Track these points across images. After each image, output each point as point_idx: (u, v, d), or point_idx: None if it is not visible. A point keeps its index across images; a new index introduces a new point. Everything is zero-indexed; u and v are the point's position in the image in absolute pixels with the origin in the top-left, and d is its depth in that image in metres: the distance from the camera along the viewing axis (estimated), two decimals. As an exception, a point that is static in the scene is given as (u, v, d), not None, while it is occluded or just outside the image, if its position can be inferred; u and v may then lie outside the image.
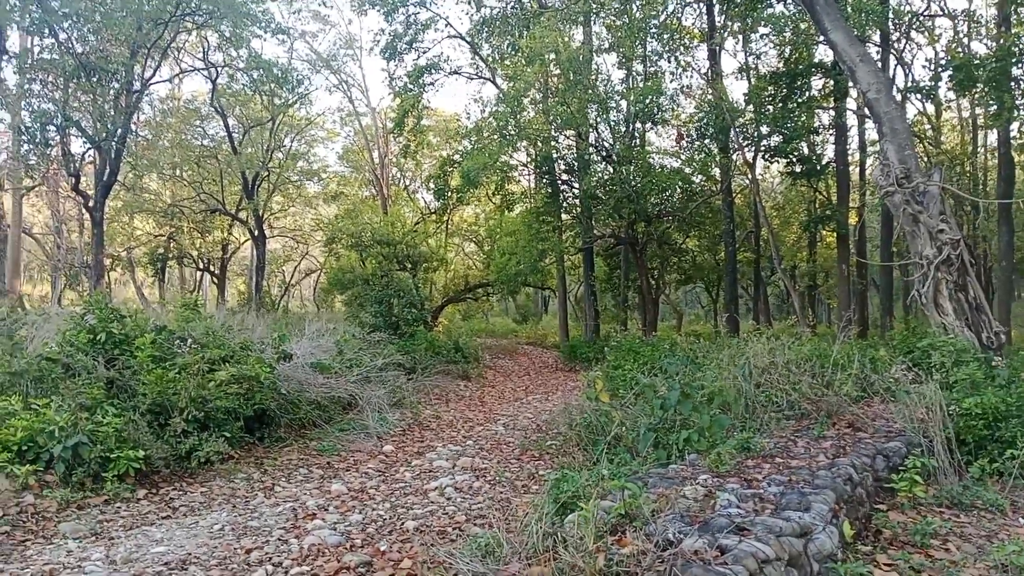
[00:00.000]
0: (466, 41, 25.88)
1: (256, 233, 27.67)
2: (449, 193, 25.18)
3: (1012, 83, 17.43)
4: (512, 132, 21.13)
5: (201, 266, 35.05)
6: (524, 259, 22.48)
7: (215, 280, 34.49)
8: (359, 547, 5.65)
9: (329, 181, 36.20)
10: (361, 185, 38.10)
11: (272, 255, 36.02)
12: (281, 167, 30.35)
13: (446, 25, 27.68)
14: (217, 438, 8.04)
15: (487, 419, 12.25)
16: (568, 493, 4.67)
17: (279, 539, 5.83)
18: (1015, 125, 20.59)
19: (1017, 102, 17.95)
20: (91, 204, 20.38)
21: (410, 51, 25.43)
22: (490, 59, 25.72)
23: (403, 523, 6.24)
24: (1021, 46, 17.16)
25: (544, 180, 25.16)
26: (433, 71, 25.34)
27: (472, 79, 27.03)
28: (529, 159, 25.46)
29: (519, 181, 28.46)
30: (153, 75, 22.99)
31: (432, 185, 25.89)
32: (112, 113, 19.73)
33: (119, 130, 19.94)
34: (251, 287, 30.35)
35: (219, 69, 24.65)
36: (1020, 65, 17.96)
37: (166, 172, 29.69)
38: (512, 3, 25.16)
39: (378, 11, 24.91)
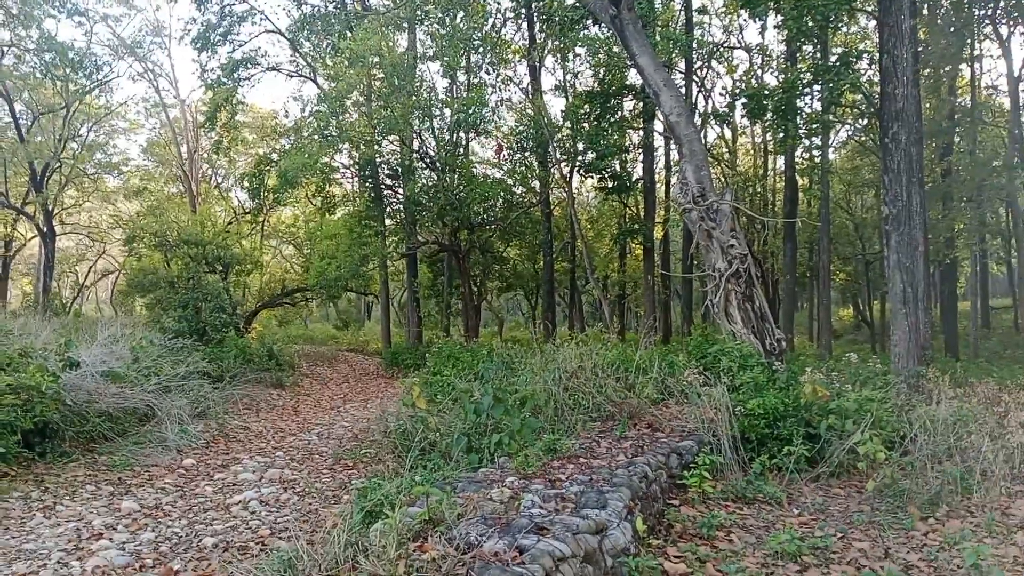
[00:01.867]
0: (286, 37, 24.96)
1: (44, 229, 24.98)
2: (265, 193, 24.11)
3: (796, 113, 19.50)
4: (333, 134, 20.63)
5: (-23, 264, 31.10)
6: (345, 264, 21.98)
7: (-7, 280, 30.71)
8: (150, 567, 5.24)
9: (131, 175, 33.45)
10: (167, 181, 35.55)
11: (63, 254, 32.72)
12: (76, 158, 27.64)
13: (263, 19, 26.63)
14: (-14, 455, 7.15)
15: (300, 429, 11.81)
16: (374, 501, 4.60)
17: (59, 562, 5.28)
18: (798, 151, 23.08)
19: (800, 131, 20.12)
20: None
21: (225, 43, 24.13)
22: (311, 57, 24.97)
23: (201, 540, 5.85)
24: (804, 80, 19.24)
25: (367, 184, 24.77)
26: (249, 65, 24.22)
27: (292, 76, 26.14)
28: (352, 162, 24.96)
29: (341, 184, 27.79)
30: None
31: (247, 184, 24.64)
32: None
33: None
34: (38, 288, 27.36)
35: (4, 49, 22.06)
36: (803, 97, 20.15)
37: (-61, 158, 26.09)
38: (335, 2, 24.61)
39: (190, -1, 23.48)
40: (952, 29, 19.28)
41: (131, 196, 33.59)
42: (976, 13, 20.08)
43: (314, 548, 3.79)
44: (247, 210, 30.17)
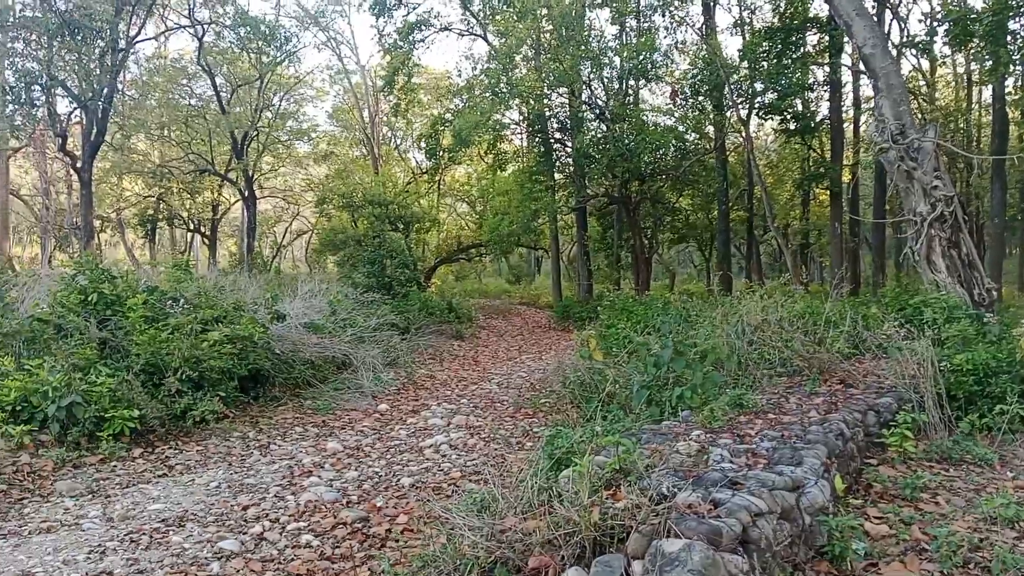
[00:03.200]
0: (457, -3, 25.40)
1: (246, 194, 27.43)
2: (441, 152, 24.92)
3: (1008, 37, 17.25)
4: (504, 90, 20.87)
5: (191, 227, 34.81)
6: (517, 219, 22.37)
7: (206, 241, 34.29)
8: (355, 503, 5.70)
9: (319, 141, 35.78)
10: (351, 145, 37.69)
11: (263, 216, 35.76)
12: (270, 127, 29.96)
13: (436, -20, 27.14)
14: (212, 397, 8.06)
15: (481, 378, 12.30)
16: (562, 449, 4.70)
17: (276, 496, 5.87)
18: (1010, 81, 20.49)
19: (1013, 57, 17.79)
20: (79, 165, 20.15)
21: (399, 7, 24.96)
22: (481, 15, 25.27)
23: (399, 480, 6.29)
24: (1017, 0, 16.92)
25: (537, 139, 24.92)
26: (423, 27, 24.90)
27: (463, 35, 26.60)
28: (521, 117, 25.16)
29: (511, 140, 28.16)
30: (139, 33, 22.57)
31: (423, 144, 25.59)
32: (98, 72, 19.38)
33: (105, 89, 19.62)
34: (242, 248, 30.19)
35: (205, 26, 24.17)
36: (1016, 19, 17.76)
37: (154, 132, 29.29)
38: (504, -43, 24.64)
39: (366, -34, 24.39)
40: None
41: (320, 160, 36.03)
42: None
43: (508, 491, 3.95)
44: (424, 170, 31.40)
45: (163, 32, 27.26)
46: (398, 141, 37.58)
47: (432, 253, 28.03)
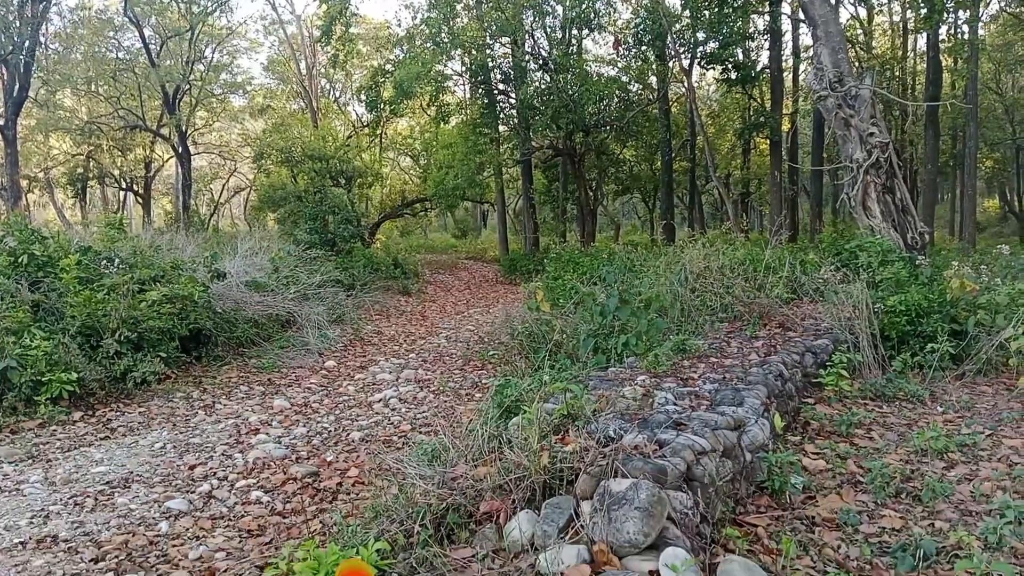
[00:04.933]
0: (395, -58, 24.61)
1: (180, 150, 26.46)
2: (382, 105, 24.35)
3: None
4: (445, 40, 20.42)
5: (124, 186, 33.50)
6: (462, 172, 22.14)
7: (139, 200, 33.08)
8: (305, 459, 5.69)
9: (255, 94, 34.62)
10: (289, 98, 36.58)
11: (199, 173, 34.60)
12: (203, 80, 28.79)
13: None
14: (152, 358, 7.89)
15: (429, 333, 12.29)
16: (511, 398, 4.75)
17: (223, 454, 5.81)
18: (943, 29, 20.93)
19: (946, 4, 18.13)
20: (1, 123, 19.10)
21: (336, -47, 24.05)
22: (421, -39, 24.55)
23: (348, 434, 6.28)
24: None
25: (480, 90, 24.55)
26: (361, -26, 24.13)
27: (403, -17, 25.86)
28: (464, 68, 24.72)
29: (454, 92, 27.72)
30: (59, -20, 21.30)
31: (364, 97, 24.94)
32: (17, 24, 18.28)
33: (26, 42, 18.54)
34: (178, 206, 29.25)
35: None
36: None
37: (80, 87, 27.82)
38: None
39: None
40: None
41: (256, 114, 34.87)
42: None
43: (458, 441, 3.98)
44: (365, 123, 30.70)
45: (85, -20, 25.80)
46: (337, 94, 36.63)
47: (376, 208, 27.61)
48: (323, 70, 33.60)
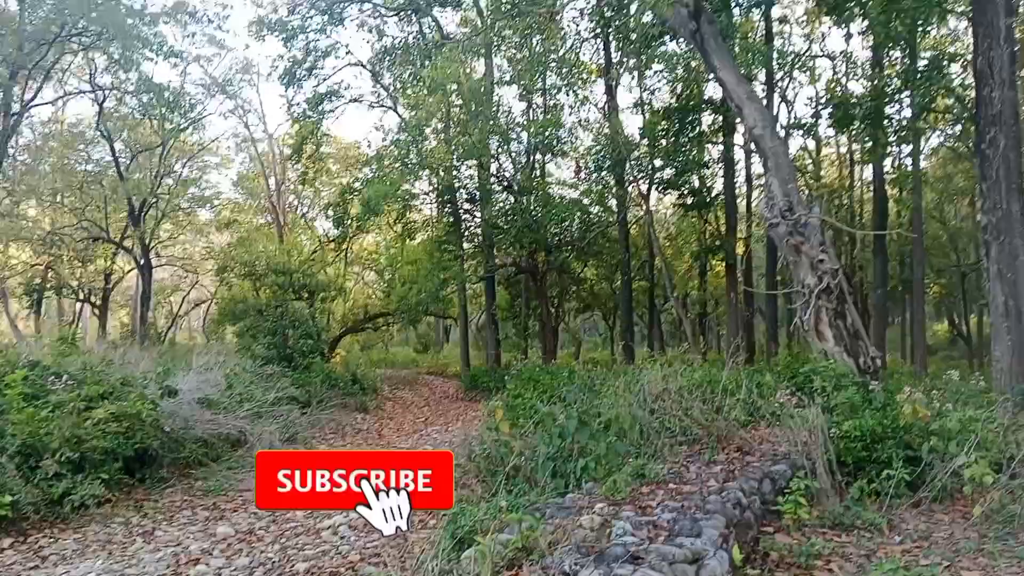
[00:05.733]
0: (367, 69, 25.75)
1: (142, 262, 26.33)
2: (349, 221, 24.78)
3: (885, 121, 18.78)
4: (414, 161, 21.08)
5: (81, 297, 32.96)
6: (425, 288, 22.30)
7: (96, 312, 32.49)
8: (246, 593, 5.36)
9: (222, 208, 34.95)
10: (256, 212, 36.99)
11: (159, 285, 34.32)
12: (171, 193, 29.07)
13: (347, 53, 27.41)
14: (93, 480, 7.52)
15: (386, 452, 11.96)
16: (465, 528, 4.59)
17: (158, 588, 5.46)
18: (888, 160, 22.24)
19: (890, 139, 19.35)
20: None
21: (309, 77, 25.05)
22: (392, 88, 25.64)
23: (293, 565, 5.97)
24: (893, 86, 18.54)
25: (446, 209, 25.16)
26: (333, 98, 25.04)
27: (374, 107, 26.87)
28: (431, 188, 25.42)
29: (421, 210, 28.31)
30: (35, 97, 21.79)
31: (331, 213, 25.41)
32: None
33: (-5, 155, 18.70)
34: (135, 319, 28.77)
35: (107, 92, 23.52)
36: (892, 104, 19.45)
37: (46, 198, 27.87)
38: (414, 33, 25.25)
39: (277, 37, 24.40)
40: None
41: (222, 228, 35.07)
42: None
43: (408, 575, 3.81)
44: (331, 238, 31.04)
45: (61, 97, 26.30)
46: (305, 209, 37.14)
47: (337, 323, 27.47)
48: (292, 186, 34.21)
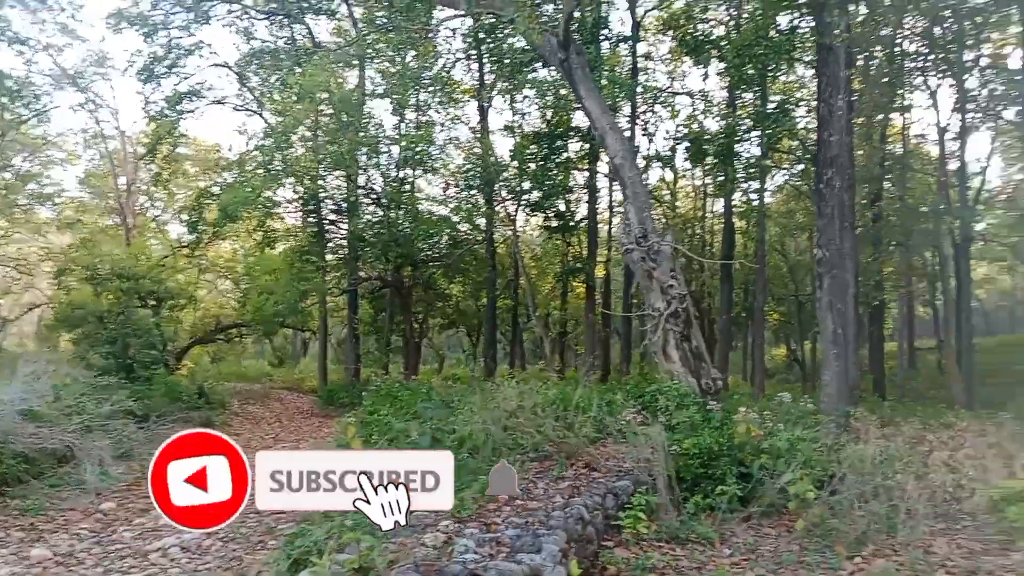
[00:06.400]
0: (234, 71, 24.67)
1: (-34, 260, 23.89)
2: (204, 227, 23.56)
3: (735, 158, 20.08)
4: (278, 168, 20.34)
5: None
6: (284, 299, 21.51)
7: (-93, 313, 29.15)
8: (57, 623, 4.92)
9: (65, 206, 32.30)
10: (103, 213, 34.45)
11: (-13, 286, 31.27)
12: (7, 188, 26.59)
13: (212, 53, 26.16)
14: None
15: (231, 470, 11.38)
16: (302, 548, 4.44)
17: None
18: (737, 194, 23.74)
19: (738, 175, 20.68)
20: None
21: (170, 75, 23.63)
22: (258, 91, 24.70)
23: (116, 591, 5.55)
24: (744, 126, 19.86)
25: (310, 219, 24.47)
26: (195, 98, 23.76)
27: (239, 109, 25.70)
28: (295, 196, 24.64)
29: (283, 218, 27.37)
30: None
31: (186, 217, 24.07)
32: None
33: None
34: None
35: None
36: (742, 142, 20.84)
37: None
38: (285, 39, 24.50)
39: (136, 31, 22.88)
40: (885, 80, 20.17)
41: (64, 228, 32.39)
42: (907, 66, 21.07)
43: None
44: (184, 244, 29.41)
45: None
46: (157, 212, 35.00)
47: (187, 332, 26.00)
48: (144, 187, 32.15)
